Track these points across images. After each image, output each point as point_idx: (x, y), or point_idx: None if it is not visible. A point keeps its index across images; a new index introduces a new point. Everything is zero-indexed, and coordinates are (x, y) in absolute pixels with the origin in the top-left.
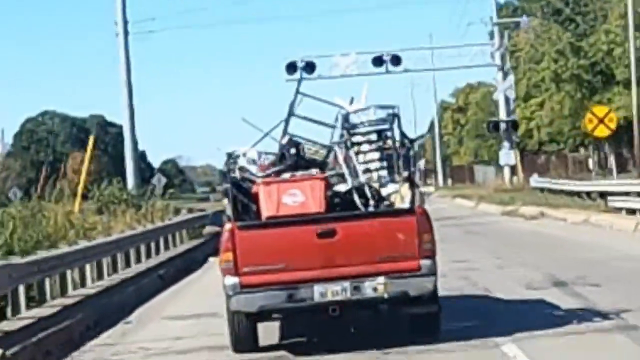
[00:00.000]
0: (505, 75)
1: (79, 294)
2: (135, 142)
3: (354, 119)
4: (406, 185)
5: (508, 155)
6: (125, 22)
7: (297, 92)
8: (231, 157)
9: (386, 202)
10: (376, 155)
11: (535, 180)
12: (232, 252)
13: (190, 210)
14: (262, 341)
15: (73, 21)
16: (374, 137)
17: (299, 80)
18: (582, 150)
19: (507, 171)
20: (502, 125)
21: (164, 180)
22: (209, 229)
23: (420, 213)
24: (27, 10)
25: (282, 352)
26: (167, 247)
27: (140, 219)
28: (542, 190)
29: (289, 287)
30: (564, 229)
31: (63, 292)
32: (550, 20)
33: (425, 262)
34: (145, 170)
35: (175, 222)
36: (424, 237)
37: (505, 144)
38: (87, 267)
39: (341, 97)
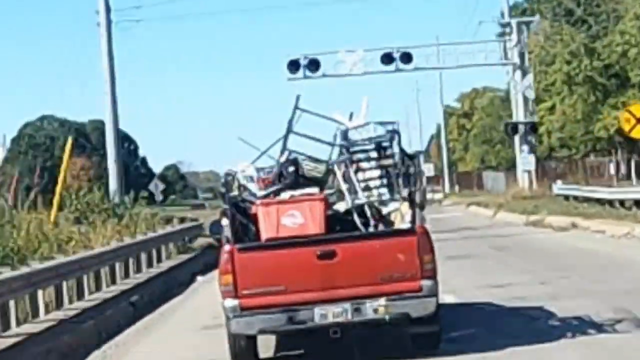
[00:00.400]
0: (523, 73)
1: (20, 333)
2: (118, 141)
3: (353, 135)
4: (406, 203)
5: (527, 160)
6: (108, 10)
7: (296, 107)
8: (229, 176)
9: (386, 221)
10: (376, 172)
11: (559, 187)
12: (232, 274)
13: (182, 220)
14: (261, 352)
15: (71, 24)
16: (373, 154)
17: (297, 97)
18: (591, 155)
19: (525, 177)
20: (521, 128)
21: (161, 186)
22: (201, 241)
23: (421, 233)
24: (27, 12)
25: None
26: (150, 264)
27: (122, 230)
28: (566, 197)
29: (289, 309)
30: (606, 243)
31: (5, 328)
32: (561, 22)
33: (426, 283)
34: (145, 175)
35: (161, 235)
36: (424, 257)
37: (524, 147)
38: (40, 294)
39: (340, 112)
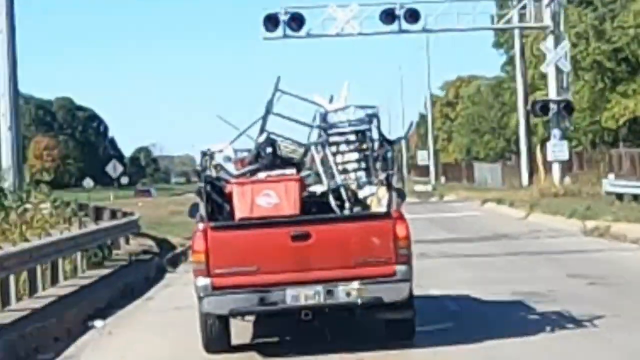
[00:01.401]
0: (556, 40)
1: None
2: (16, 98)
3: (332, 118)
4: (383, 187)
5: (559, 148)
6: None
7: (276, 89)
8: (206, 155)
9: (362, 205)
10: (354, 156)
11: (611, 183)
12: (205, 253)
13: (113, 214)
14: (234, 340)
15: None
16: (352, 137)
17: (278, 78)
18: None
19: (556, 169)
20: (553, 107)
21: (120, 168)
22: (135, 245)
23: (396, 217)
24: None
25: (252, 353)
26: (33, 290)
27: (10, 231)
28: (618, 196)
29: (261, 290)
30: None
31: None
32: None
33: (400, 268)
34: (114, 158)
35: (61, 240)
36: (400, 242)
37: (556, 132)
38: None
39: (321, 95)
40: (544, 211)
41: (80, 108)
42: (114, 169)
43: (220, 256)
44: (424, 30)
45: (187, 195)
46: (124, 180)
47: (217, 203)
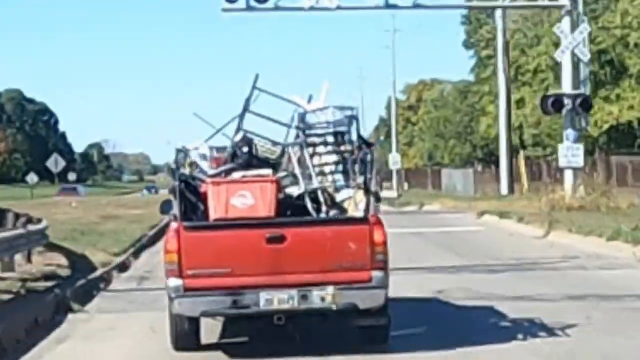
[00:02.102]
0: (574, 23)
1: None
2: None
3: (311, 118)
4: (361, 191)
5: (573, 152)
6: None
7: (254, 87)
8: (181, 152)
9: (339, 208)
10: (332, 158)
11: None
12: (177, 253)
13: (16, 219)
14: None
15: None
16: (330, 138)
17: (256, 76)
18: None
19: (569, 177)
20: (567, 102)
21: (62, 162)
22: (38, 264)
23: (374, 222)
24: None
25: (218, 353)
26: None
27: None
28: None
29: (233, 292)
30: None
31: None
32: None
33: (376, 274)
34: (64, 153)
35: None
36: (376, 247)
37: (569, 133)
38: None
39: (299, 95)
40: (569, 229)
41: (30, 101)
42: (55, 163)
43: (193, 257)
44: (415, 5)
45: (134, 195)
46: (71, 176)
47: (191, 202)
